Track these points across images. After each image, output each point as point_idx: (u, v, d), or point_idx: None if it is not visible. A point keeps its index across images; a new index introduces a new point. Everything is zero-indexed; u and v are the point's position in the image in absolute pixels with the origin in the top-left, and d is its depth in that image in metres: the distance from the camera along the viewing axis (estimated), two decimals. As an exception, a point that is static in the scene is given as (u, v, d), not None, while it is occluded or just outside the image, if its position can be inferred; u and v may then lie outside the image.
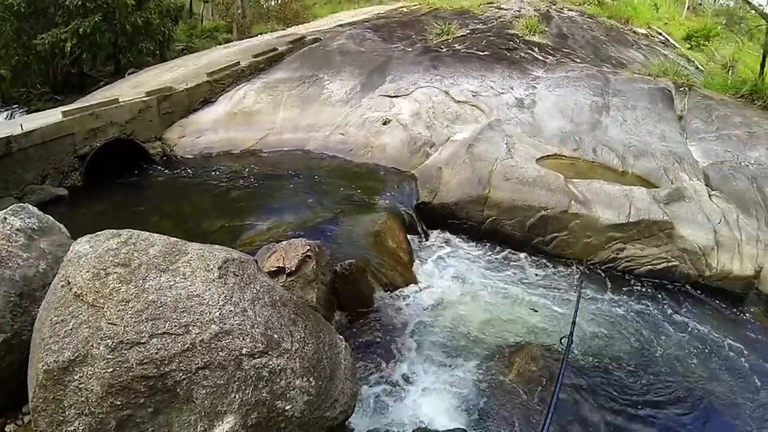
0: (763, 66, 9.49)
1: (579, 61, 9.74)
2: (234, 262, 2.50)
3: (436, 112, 7.52)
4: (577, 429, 3.42)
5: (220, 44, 16.30)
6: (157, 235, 2.54)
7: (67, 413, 2.07)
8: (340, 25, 12.09)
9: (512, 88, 8.25)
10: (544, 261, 5.46)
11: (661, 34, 13.52)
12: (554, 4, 13.05)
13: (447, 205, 5.83)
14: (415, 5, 13.60)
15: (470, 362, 3.88)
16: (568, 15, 12.58)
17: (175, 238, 2.57)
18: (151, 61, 15.03)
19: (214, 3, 22.29)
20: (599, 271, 5.44)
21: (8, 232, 2.92)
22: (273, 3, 23.71)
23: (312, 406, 2.34)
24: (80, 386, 2.06)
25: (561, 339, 3.65)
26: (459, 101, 7.78)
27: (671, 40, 13.19)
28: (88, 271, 2.28)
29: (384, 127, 7.28)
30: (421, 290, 4.69)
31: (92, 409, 2.05)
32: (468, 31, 10.66)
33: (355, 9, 17.47)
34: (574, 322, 3.36)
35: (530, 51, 9.78)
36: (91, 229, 2.49)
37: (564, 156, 6.63)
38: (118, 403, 2.05)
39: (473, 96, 7.93)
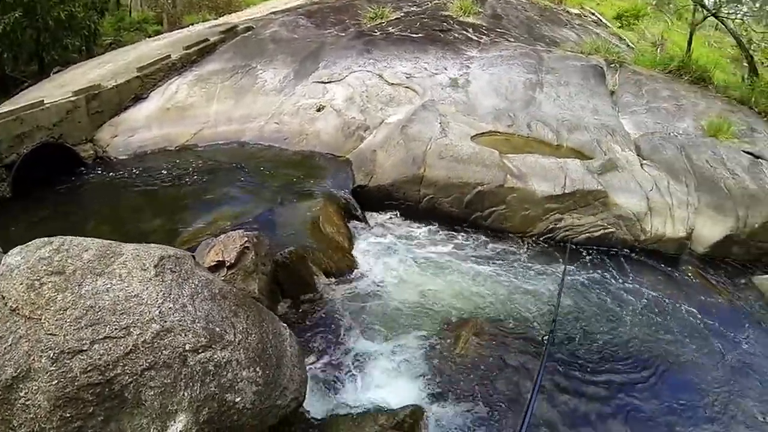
0: (689, 43, 10.02)
1: (513, 40, 9.94)
2: (170, 258, 2.48)
3: (370, 95, 7.55)
4: (549, 399, 3.57)
5: (150, 37, 15.70)
6: (90, 239, 2.50)
7: (18, 432, 2.02)
8: (273, 13, 11.84)
9: (446, 69, 8.36)
10: (483, 235, 5.62)
11: (593, 14, 13.99)
12: (490, -15, 13.18)
13: (383, 186, 5.91)
14: (347, -11, 13.50)
15: (417, 339, 3.99)
16: (503, -5, 12.75)
17: (110, 241, 2.53)
18: (77, 57, 14.36)
19: (141, -6, 21.46)
20: (541, 242, 5.66)
21: (-73, 253, 2.82)
22: (204, -8, 23.07)
23: (262, 396, 2.37)
24: (27, 403, 2.01)
25: (543, 338, 3.82)
26: (393, 84, 7.84)
27: (603, 20, 13.67)
28: (21, 283, 2.23)
29: (318, 113, 7.26)
30: (362, 273, 4.76)
31: (42, 425, 2.01)
32: (402, 14, 10.68)
33: (289, -5, 17.22)
34: (554, 320, 3.52)
35: (464, 32, 9.89)
36: (24, 242, 2.43)
37: (499, 132, 6.80)
38: (68, 415, 2.01)
39: (407, 78, 8.00)
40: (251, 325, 2.50)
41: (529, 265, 5.20)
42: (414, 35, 9.42)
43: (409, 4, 11.47)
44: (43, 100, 7.40)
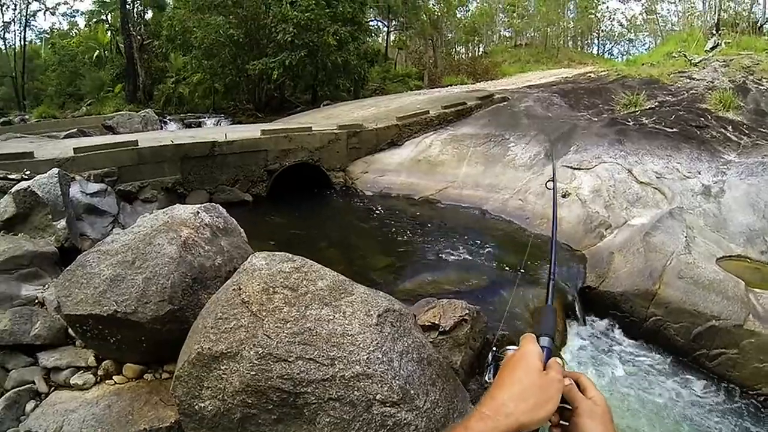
0: None
1: (780, 144, 8.47)
2: (393, 313, 2.60)
3: (617, 191, 7.08)
4: None
5: (411, 89, 17.44)
6: (328, 269, 2.73)
7: (203, 392, 2.35)
8: (528, 87, 12.12)
9: (699, 173, 7.45)
10: (703, 378, 4.71)
11: None
12: (752, 74, 11.55)
13: (612, 294, 5.36)
14: (602, 71, 13.25)
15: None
16: (768, 87, 11.03)
17: (344, 277, 2.74)
18: (345, 96, 16.62)
19: (408, 51, 23.77)
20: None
21: (198, 224, 3.40)
22: (464, 57, 24.69)
23: (421, 468, 2.32)
24: (222, 376, 2.32)
25: None
26: (641, 182, 7.28)
27: None
28: (258, 284, 2.56)
29: (563, 199, 6.97)
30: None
31: (225, 397, 2.29)
32: (656, 104, 9.97)
33: (542, 71, 17.51)
34: None
35: (722, 130, 8.73)
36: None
37: (749, 259, 5.78)
38: (249, 401, 2.27)
39: (657, 178, 7.34)
40: (443, 399, 2.47)
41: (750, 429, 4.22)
42: (668, 129, 8.69)
43: (664, 93, 10.66)
44: (311, 127, 8.64)
